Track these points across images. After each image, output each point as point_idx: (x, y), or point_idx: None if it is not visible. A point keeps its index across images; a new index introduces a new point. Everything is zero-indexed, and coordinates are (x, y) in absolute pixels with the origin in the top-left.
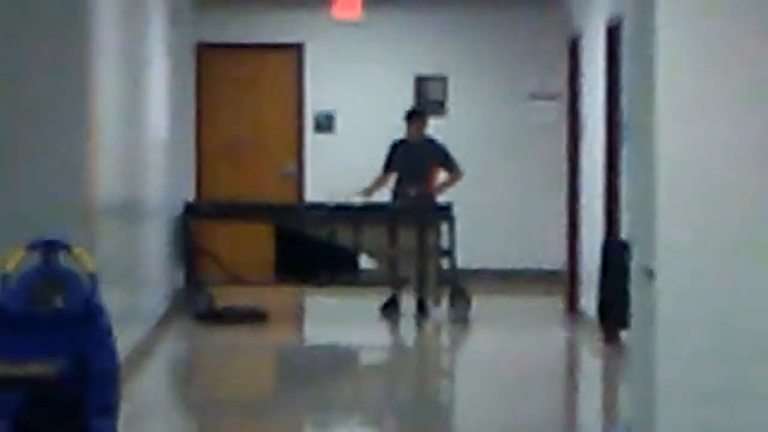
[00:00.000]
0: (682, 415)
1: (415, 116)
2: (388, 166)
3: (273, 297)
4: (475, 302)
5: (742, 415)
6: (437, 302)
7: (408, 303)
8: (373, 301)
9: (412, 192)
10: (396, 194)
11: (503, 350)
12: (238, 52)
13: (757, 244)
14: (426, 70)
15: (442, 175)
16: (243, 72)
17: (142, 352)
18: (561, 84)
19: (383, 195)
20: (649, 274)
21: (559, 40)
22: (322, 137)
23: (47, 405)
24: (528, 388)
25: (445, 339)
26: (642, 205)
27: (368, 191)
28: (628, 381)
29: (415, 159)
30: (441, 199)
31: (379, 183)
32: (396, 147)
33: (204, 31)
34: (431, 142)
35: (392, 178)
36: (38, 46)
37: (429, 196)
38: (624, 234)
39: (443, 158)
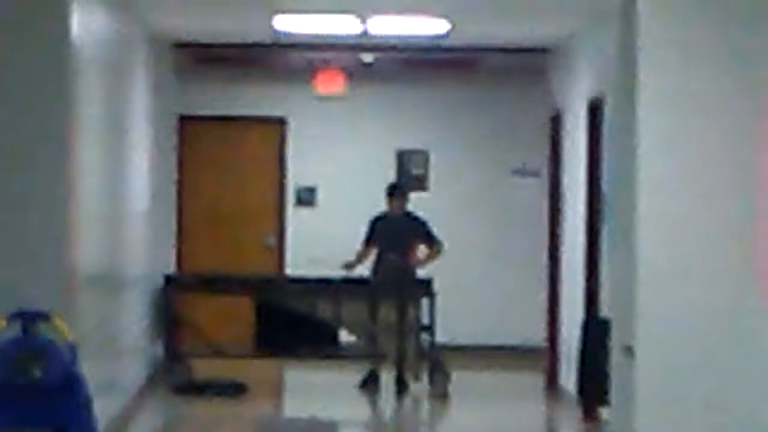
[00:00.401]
0: None
1: (396, 192)
2: (369, 240)
3: (253, 369)
4: (455, 378)
5: None
6: (417, 377)
7: (388, 378)
8: (353, 374)
9: (392, 263)
10: (376, 269)
11: (483, 426)
12: (221, 125)
13: (737, 323)
14: (408, 145)
15: (422, 250)
16: (225, 144)
17: (121, 423)
18: (543, 160)
19: (365, 269)
20: (629, 352)
21: (541, 116)
22: (303, 210)
23: None
24: None
25: (424, 414)
26: (622, 283)
27: (351, 265)
28: None
29: (396, 234)
30: (422, 274)
31: (361, 257)
32: (376, 222)
33: (186, 103)
34: (412, 217)
35: (373, 252)
36: (21, 114)
37: (409, 270)
38: (604, 311)
39: (424, 233)
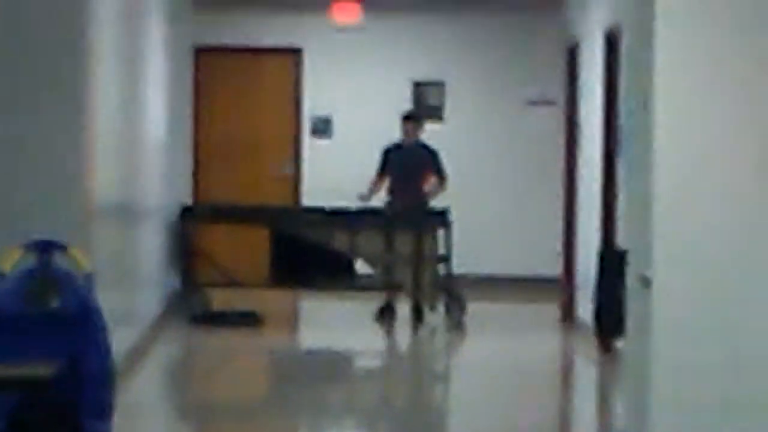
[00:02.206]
0: (677, 423)
1: (410, 119)
2: (383, 169)
3: (268, 300)
4: (471, 308)
5: (738, 424)
6: (433, 308)
7: (403, 308)
8: (369, 305)
9: (405, 196)
10: (391, 196)
11: (498, 357)
12: (236, 56)
13: (753, 252)
14: (424, 76)
15: (433, 180)
16: (240, 75)
17: (137, 353)
18: (559, 91)
19: (380, 199)
20: (645, 282)
21: (558, 47)
22: (319, 141)
23: (42, 406)
24: (523, 396)
25: (440, 345)
26: (638, 214)
27: (366, 196)
28: (623, 389)
29: (409, 163)
30: (437, 204)
31: (375, 186)
32: (389, 151)
33: (202, 34)
34: (424, 146)
35: (386, 181)
36: (35, 48)
37: (424, 201)
38: (620, 242)
39: (433, 163)
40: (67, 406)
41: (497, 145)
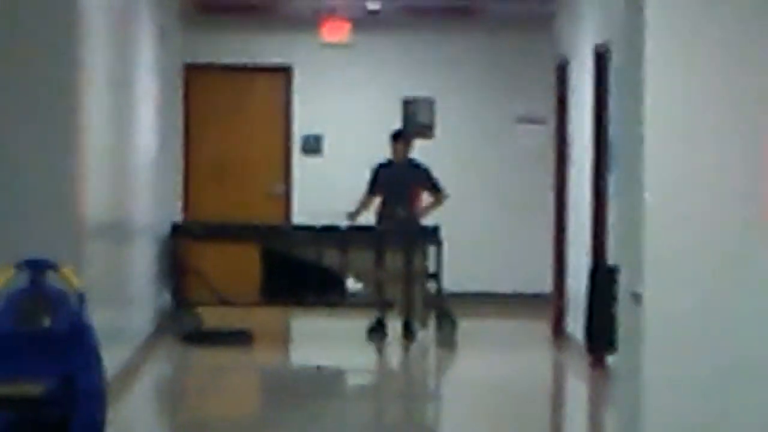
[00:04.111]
0: None
1: (400, 137)
2: (373, 188)
3: (259, 318)
4: (462, 325)
5: None
6: (423, 325)
7: (394, 325)
8: (360, 322)
9: (398, 214)
10: (380, 216)
11: (490, 374)
12: (226, 74)
13: (743, 267)
14: (413, 93)
15: (426, 198)
16: (231, 93)
17: (129, 372)
18: (548, 108)
19: (369, 216)
20: (637, 298)
21: (547, 64)
22: (309, 159)
23: (35, 424)
24: (514, 412)
25: (431, 362)
26: (629, 230)
27: (354, 214)
28: (615, 406)
29: (399, 181)
30: (428, 221)
31: (364, 205)
32: (379, 169)
33: (192, 51)
34: (415, 164)
35: (377, 200)
36: (26, 65)
37: (415, 218)
38: (611, 258)
39: (427, 180)
40: (60, 424)
41: (487, 162)
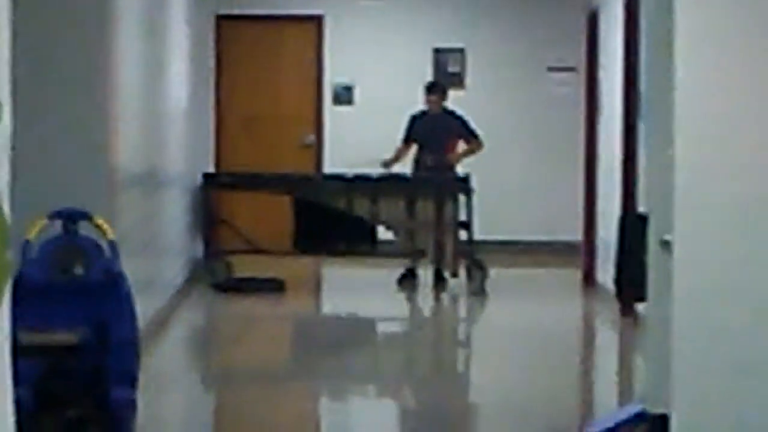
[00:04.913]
0: (699, 388)
1: (434, 89)
2: (408, 138)
3: (291, 267)
4: (493, 274)
5: (758, 389)
6: (454, 274)
7: (425, 274)
8: (391, 272)
9: (431, 163)
10: (416, 166)
11: (520, 322)
12: (258, 24)
13: None
14: (444, 43)
15: (461, 147)
16: (262, 44)
17: (161, 321)
18: (579, 56)
19: (404, 166)
20: (666, 246)
21: (578, 12)
22: (340, 109)
23: (68, 373)
24: (544, 360)
25: (462, 310)
26: (660, 178)
27: (389, 163)
28: (645, 354)
29: (435, 131)
30: (459, 170)
31: (399, 155)
32: (415, 119)
33: (224, 2)
34: (451, 113)
35: (412, 150)
36: (60, 18)
37: (448, 167)
38: (641, 206)
39: (463, 129)
40: (93, 372)
41: (518, 111)
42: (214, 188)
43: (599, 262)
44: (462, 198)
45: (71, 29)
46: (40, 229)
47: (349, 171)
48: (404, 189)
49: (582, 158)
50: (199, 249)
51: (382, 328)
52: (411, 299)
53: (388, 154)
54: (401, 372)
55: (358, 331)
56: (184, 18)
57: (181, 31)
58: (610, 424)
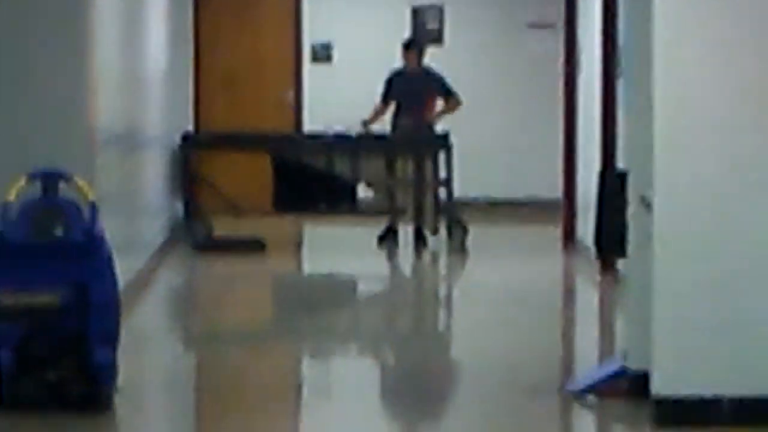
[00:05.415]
0: (679, 342)
1: (411, 46)
2: (386, 97)
3: (271, 226)
4: (473, 232)
5: (737, 344)
6: (434, 232)
7: (405, 232)
8: (371, 230)
9: (410, 121)
10: (395, 124)
11: (500, 279)
12: None
13: (753, 172)
14: (423, 0)
15: (440, 105)
16: (241, 3)
17: (141, 281)
18: (558, 13)
19: (384, 125)
20: (647, 204)
21: None
22: (319, 67)
23: (49, 334)
24: (525, 318)
25: (442, 268)
26: (639, 136)
27: (367, 122)
28: (625, 310)
29: (413, 89)
30: (438, 128)
31: (378, 113)
32: (393, 78)
33: None
34: (428, 72)
35: (390, 108)
36: None
37: (427, 126)
38: (621, 163)
39: (441, 87)
40: (74, 333)
41: (497, 68)
42: (194, 148)
43: (579, 220)
44: (442, 156)
45: None
46: (19, 190)
47: (329, 129)
48: (384, 148)
49: (561, 115)
50: (179, 209)
51: (362, 286)
52: (391, 257)
53: (367, 112)
54: (382, 330)
55: (338, 289)
56: None
57: None
58: (591, 380)
